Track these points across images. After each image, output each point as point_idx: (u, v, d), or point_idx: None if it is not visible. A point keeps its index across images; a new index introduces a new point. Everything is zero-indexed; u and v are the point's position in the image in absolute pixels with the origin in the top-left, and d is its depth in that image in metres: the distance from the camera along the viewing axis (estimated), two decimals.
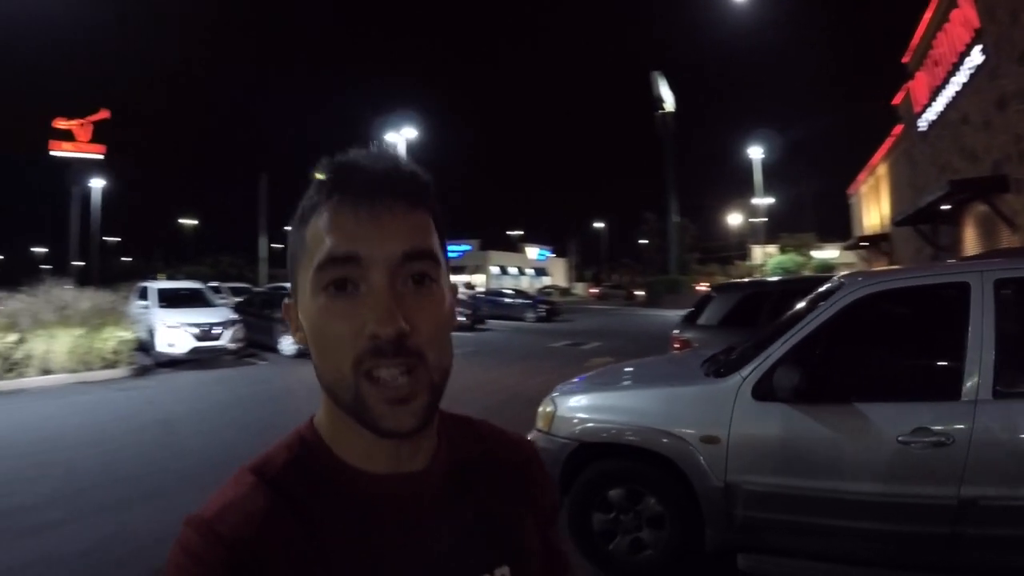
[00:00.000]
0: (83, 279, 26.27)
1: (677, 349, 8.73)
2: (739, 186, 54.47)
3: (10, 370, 13.02)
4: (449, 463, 0.87)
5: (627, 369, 5.49)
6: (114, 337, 14.69)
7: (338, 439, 0.80)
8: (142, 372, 14.78)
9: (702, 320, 9.33)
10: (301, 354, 15.89)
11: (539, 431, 4.74)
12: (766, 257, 47.54)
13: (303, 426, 0.85)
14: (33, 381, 13.11)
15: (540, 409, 4.85)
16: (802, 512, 3.78)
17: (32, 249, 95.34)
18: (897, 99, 24.12)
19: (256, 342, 17.82)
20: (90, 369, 13.99)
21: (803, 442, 3.80)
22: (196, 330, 15.97)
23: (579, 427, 4.52)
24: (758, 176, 48.31)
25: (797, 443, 3.82)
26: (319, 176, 0.77)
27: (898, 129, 25.73)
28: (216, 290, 21.49)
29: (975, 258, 4.71)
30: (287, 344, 17.18)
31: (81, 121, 39.55)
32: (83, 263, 46.62)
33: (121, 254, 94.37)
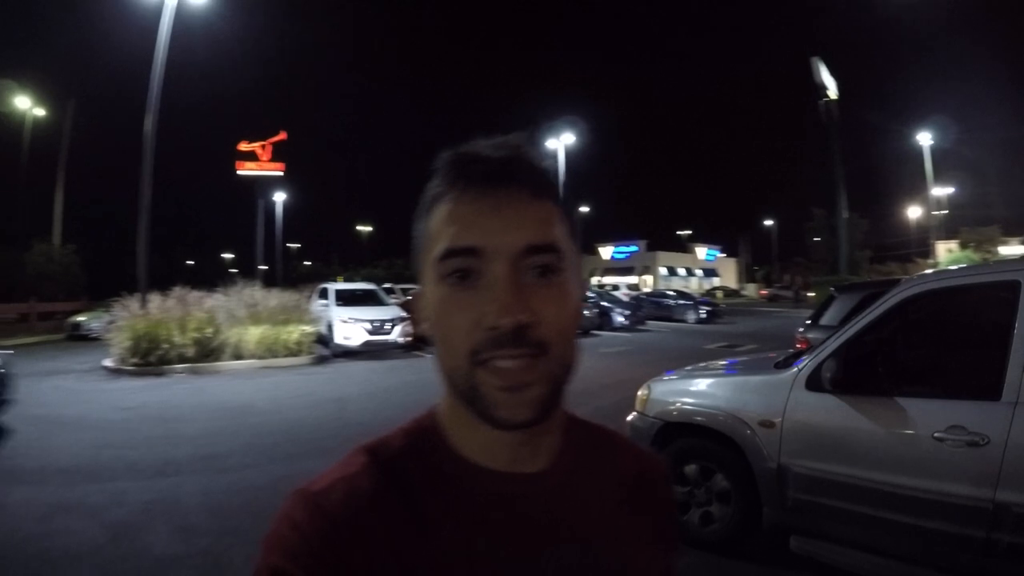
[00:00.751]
0: (268, 281, 28.75)
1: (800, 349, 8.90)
2: (913, 177, 50.30)
3: (208, 355, 15.19)
4: (571, 470, 0.84)
5: (720, 362, 5.93)
6: (297, 330, 16.66)
7: (456, 430, 0.80)
8: (320, 361, 16.59)
9: (824, 320, 9.39)
10: None
11: (636, 412, 5.25)
12: (949, 254, 44.04)
13: (423, 414, 0.85)
14: (227, 365, 15.18)
15: (638, 393, 5.35)
16: (843, 499, 3.93)
17: (222, 255, 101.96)
18: None
19: (422, 337, 18.95)
20: (276, 356, 15.98)
21: (845, 431, 3.95)
22: (369, 325, 17.64)
23: (663, 408, 5.01)
24: (929, 166, 44.93)
25: (839, 432, 3.99)
26: (441, 166, 0.78)
27: None
28: (389, 291, 23.23)
29: None
30: None
31: (262, 143, 42.62)
32: (266, 267, 50.18)
33: (301, 259, 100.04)
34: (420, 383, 12.39)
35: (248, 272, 33.02)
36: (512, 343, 0.69)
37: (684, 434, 4.89)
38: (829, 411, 4.02)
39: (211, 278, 20.58)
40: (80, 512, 5.59)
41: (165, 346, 14.68)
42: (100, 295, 36.70)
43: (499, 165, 0.74)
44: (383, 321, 17.89)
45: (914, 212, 58.64)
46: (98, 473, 6.74)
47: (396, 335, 17.88)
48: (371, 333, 17.64)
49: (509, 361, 0.69)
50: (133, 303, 15.79)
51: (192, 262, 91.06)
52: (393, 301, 20.61)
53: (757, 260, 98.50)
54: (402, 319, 18.03)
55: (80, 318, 27.48)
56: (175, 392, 12.18)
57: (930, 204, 50.10)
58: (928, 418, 3.59)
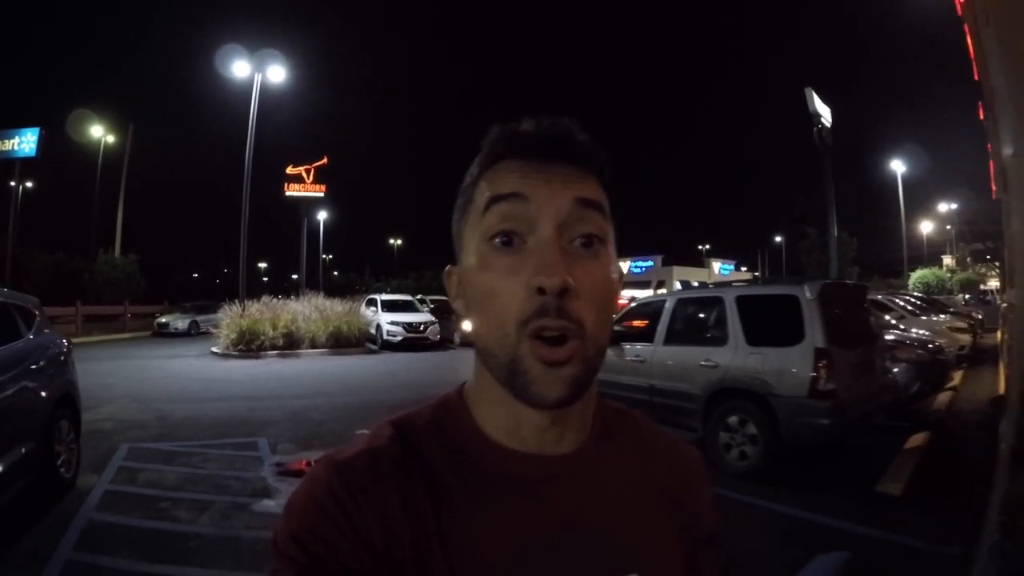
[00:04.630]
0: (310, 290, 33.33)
1: None
2: (897, 199, 51.77)
3: (292, 345, 20.92)
4: (597, 456, 0.83)
5: None
6: (355, 328, 22.39)
7: (482, 410, 0.80)
8: (370, 352, 22.34)
9: None
10: (465, 343, 23.06)
11: None
12: (918, 272, 46.86)
13: (453, 391, 0.85)
14: (305, 352, 20.95)
15: None
16: (608, 388, 8.46)
17: (258, 264, 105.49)
18: None
19: (445, 336, 24.94)
20: (340, 347, 21.66)
21: (610, 359, 8.48)
22: (407, 326, 23.39)
23: None
24: (901, 191, 47.83)
25: (610, 360, 8.18)
26: (490, 140, 0.77)
27: None
28: (422, 300, 29.08)
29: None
30: (458, 337, 24.24)
31: (307, 167, 45.00)
32: (295, 276, 53.86)
33: (333, 269, 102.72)
34: (444, 364, 18.15)
35: (280, 279, 37.19)
36: (555, 312, 0.68)
37: None
38: (608, 353, 9.24)
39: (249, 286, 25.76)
40: (268, 406, 10.92)
41: (262, 337, 20.33)
42: (153, 300, 41.45)
43: (550, 140, 0.74)
44: (418, 323, 23.61)
45: (915, 228, 59.69)
46: (262, 397, 12.14)
47: (428, 333, 23.53)
48: (408, 332, 23.27)
49: (549, 333, 0.69)
50: (235, 307, 21.58)
51: (226, 270, 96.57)
52: (425, 308, 26.58)
53: (774, 274, 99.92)
54: (432, 322, 23.92)
55: (164, 319, 33.40)
56: (277, 367, 17.76)
57: (947, 219, 52.67)
58: (632, 352, 8.54)
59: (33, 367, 5.80)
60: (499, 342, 0.71)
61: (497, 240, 0.72)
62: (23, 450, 5.22)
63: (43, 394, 5.84)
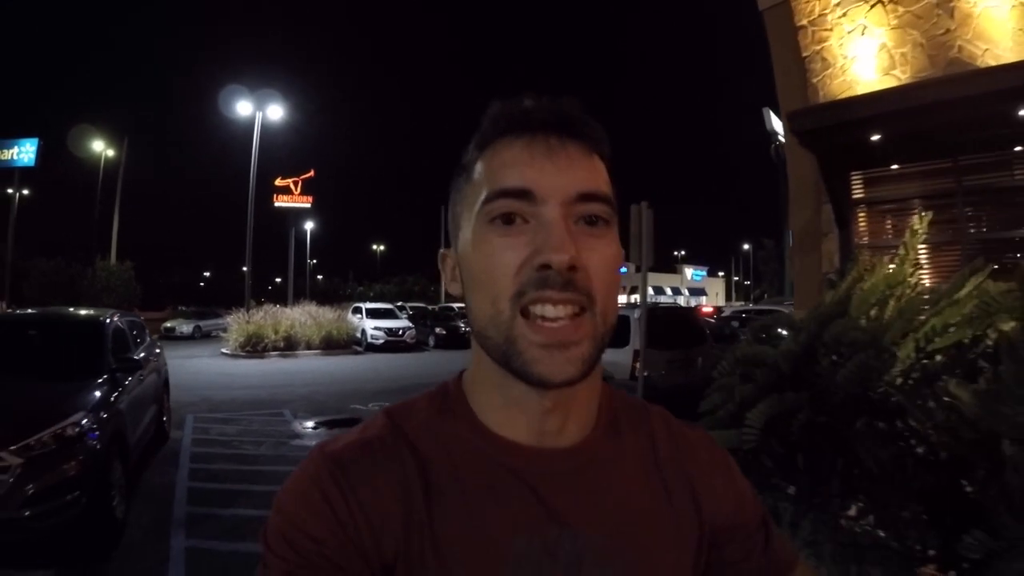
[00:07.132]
0: (296, 296, 36.02)
1: None
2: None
3: (291, 347, 24.69)
4: (603, 451, 0.79)
5: None
6: (344, 332, 26.36)
7: (481, 399, 0.77)
8: (356, 353, 26.16)
9: None
10: (438, 345, 27.71)
11: None
12: None
13: (452, 379, 0.83)
14: (301, 352, 24.76)
15: None
16: None
17: (242, 268, 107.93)
18: None
19: (421, 340, 28.97)
20: (331, 348, 25.56)
21: None
22: (388, 331, 27.29)
23: None
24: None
25: None
26: (491, 116, 0.75)
27: None
28: (401, 308, 33.06)
29: None
30: (432, 340, 28.53)
31: (294, 179, 46.05)
32: (278, 280, 55.52)
33: (318, 274, 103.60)
34: (418, 363, 22.06)
35: (263, 283, 39.32)
36: (561, 286, 0.65)
37: None
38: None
39: (229, 289, 29.08)
40: (283, 392, 14.78)
41: (265, 340, 24.17)
42: (149, 305, 43.27)
43: (554, 116, 0.72)
44: (398, 328, 27.58)
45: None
46: (278, 384, 16.05)
47: (406, 337, 27.54)
48: (389, 336, 27.20)
49: (555, 309, 0.66)
50: (242, 314, 25.53)
51: (207, 274, 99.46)
52: (404, 315, 30.91)
53: (746, 280, 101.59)
54: (410, 327, 27.99)
55: (170, 323, 37.15)
56: (280, 365, 21.62)
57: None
58: None
59: (153, 359, 9.53)
60: (492, 320, 0.69)
61: (498, 221, 0.70)
62: (154, 410, 8.96)
63: (159, 376, 9.67)
